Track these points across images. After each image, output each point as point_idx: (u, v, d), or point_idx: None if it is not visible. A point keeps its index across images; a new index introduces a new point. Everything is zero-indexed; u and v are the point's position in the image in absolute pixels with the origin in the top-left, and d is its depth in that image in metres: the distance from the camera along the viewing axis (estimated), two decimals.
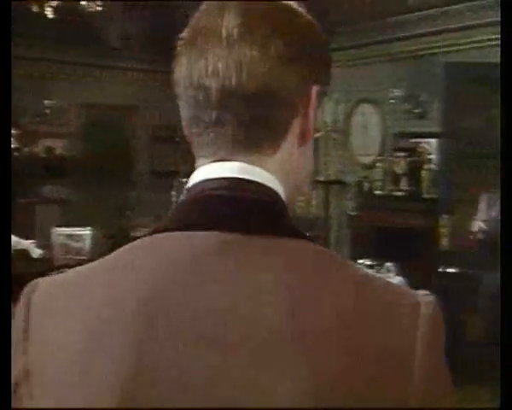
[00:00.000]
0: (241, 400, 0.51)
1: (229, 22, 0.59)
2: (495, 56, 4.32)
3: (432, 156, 4.59)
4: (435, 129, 4.63)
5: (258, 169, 0.59)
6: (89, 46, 5.71)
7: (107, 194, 6.06)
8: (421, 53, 4.98)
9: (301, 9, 0.65)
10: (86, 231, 5.44)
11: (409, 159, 4.60)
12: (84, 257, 5.04)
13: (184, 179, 5.71)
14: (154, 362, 0.51)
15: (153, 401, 0.51)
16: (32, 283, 0.59)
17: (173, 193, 6.27)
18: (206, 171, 0.60)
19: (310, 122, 0.61)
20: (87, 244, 5.39)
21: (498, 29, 4.33)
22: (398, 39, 5.10)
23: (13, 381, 0.56)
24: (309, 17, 0.65)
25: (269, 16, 0.61)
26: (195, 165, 0.63)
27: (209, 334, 0.52)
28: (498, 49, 4.60)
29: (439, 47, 4.86)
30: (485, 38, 4.37)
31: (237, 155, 0.59)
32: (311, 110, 0.61)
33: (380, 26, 5.17)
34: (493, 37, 4.31)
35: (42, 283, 0.59)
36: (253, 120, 0.58)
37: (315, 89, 0.62)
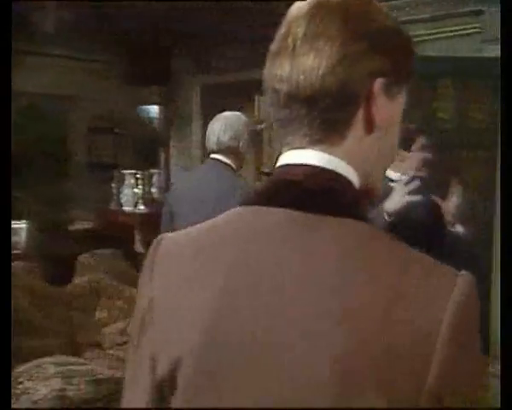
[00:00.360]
0: (287, 349, 0.62)
1: (296, 33, 0.70)
2: (433, 50, 4.46)
3: None
4: None
5: (327, 156, 0.70)
6: (20, 32, 5.45)
7: (42, 186, 5.83)
8: None
9: (376, 7, 0.72)
10: (21, 225, 5.22)
11: None
12: (19, 251, 4.82)
13: (126, 171, 5.59)
14: (232, 306, 0.66)
15: (228, 333, 0.66)
16: (159, 237, 0.77)
17: (113, 185, 6.11)
18: (287, 158, 0.72)
19: (373, 113, 0.69)
20: (22, 237, 5.17)
21: (436, 24, 4.48)
22: None
23: (139, 315, 0.74)
24: (379, 16, 0.71)
25: (331, 23, 0.69)
26: (281, 150, 0.74)
27: (270, 287, 0.65)
28: (436, 43, 4.75)
29: None
30: (423, 32, 4.49)
31: (310, 145, 0.71)
32: (372, 102, 0.69)
33: None
34: (431, 31, 4.44)
35: (165, 238, 0.77)
36: (314, 117, 0.69)
37: (379, 81, 0.69)
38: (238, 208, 0.73)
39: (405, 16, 4.73)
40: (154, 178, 6.03)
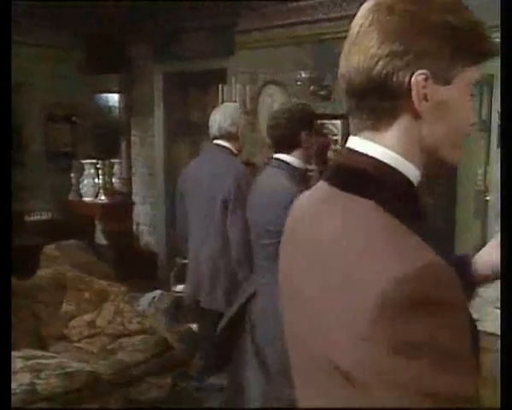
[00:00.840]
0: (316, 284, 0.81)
1: (351, 34, 0.82)
2: None
3: (337, 137, 4.75)
4: (340, 111, 4.79)
5: (368, 143, 0.83)
6: None
7: None
8: (323, 37, 5.11)
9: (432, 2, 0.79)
10: None
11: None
12: None
13: (86, 161, 5.45)
14: (291, 250, 0.93)
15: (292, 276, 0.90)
16: None
17: (72, 175, 5.97)
18: (348, 142, 0.87)
19: (414, 102, 0.78)
20: None
21: None
22: (301, 23, 5.19)
23: None
24: (432, 11, 0.78)
25: (377, 23, 0.79)
26: None
27: (301, 245, 0.88)
28: None
29: (339, 32, 5.01)
30: None
31: (361, 132, 0.84)
32: (412, 93, 0.78)
33: (283, 10, 5.24)
34: None
35: (297, 199, 0.99)
36: (362, 108, 0.82)
37: (418, 74, 0.77)
38: (319, 182, 0.91)
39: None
40: (115, 168, 5.93)
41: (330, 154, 4.70)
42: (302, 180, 2.47)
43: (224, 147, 2.97)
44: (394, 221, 0.75)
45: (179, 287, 4.19)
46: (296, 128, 2.41)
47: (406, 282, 0.66)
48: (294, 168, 2.42)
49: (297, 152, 2.43)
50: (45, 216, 5.82)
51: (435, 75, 0.78)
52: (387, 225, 0.76)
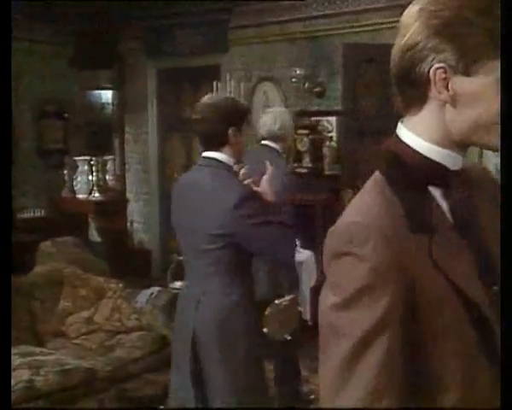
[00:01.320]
0: None
1: (400, 24, 0.88)
2: (385, 38, 4.56)
3: (332, 134, 4.77)
4: (335, 107, 4.81)
5: (401, 126, 0.91)
6: None
7: None
8: (317, 34, 5.12)
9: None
10: None
11: (311, 136, 4.74)
12: None
13: (79, 158, 5.38)
14: None
15: None
16: None
17: (65, 172, 5.93)
18: None
19: (434, 92, 0.85)
20: None
21: (393, 12, 4.56)
22: (295, 20, 5.20)
23: None
24: (460, 8, 0.82)
25: (411, 16, 0.84)
26: None
27: None
28: (388, 31, 4.82)
29: (334, 29, 5.03)
30: (380, 21, 4.60)
31: (402, 117, 0.91)
32: (432, 85, 0.84)
33: (277, 7, 5.24)
34: (388, 20, 4.54)
35: None
36: (400, 93, 0.89)
37: (437, 67, 0.83)
38: None
39: (363, 5, 4.83)
40: (109, 165, 5.90)
41: (325, 151, 4.73)
42: (235, 178, 2.28)
43: (271, 148, 3.31)
44: (382, 193, 0.87)
45: (177, 284, 4.18)
46: (223, 123, 2.21)
47: (330, 236, 0.86)
48: (228, 166, 2.24)
49: (226, 149, 2.24)
50: (38, 213, 5.79)
51: (455, 68, 0.83)
52: (369, 194, 0.88)
